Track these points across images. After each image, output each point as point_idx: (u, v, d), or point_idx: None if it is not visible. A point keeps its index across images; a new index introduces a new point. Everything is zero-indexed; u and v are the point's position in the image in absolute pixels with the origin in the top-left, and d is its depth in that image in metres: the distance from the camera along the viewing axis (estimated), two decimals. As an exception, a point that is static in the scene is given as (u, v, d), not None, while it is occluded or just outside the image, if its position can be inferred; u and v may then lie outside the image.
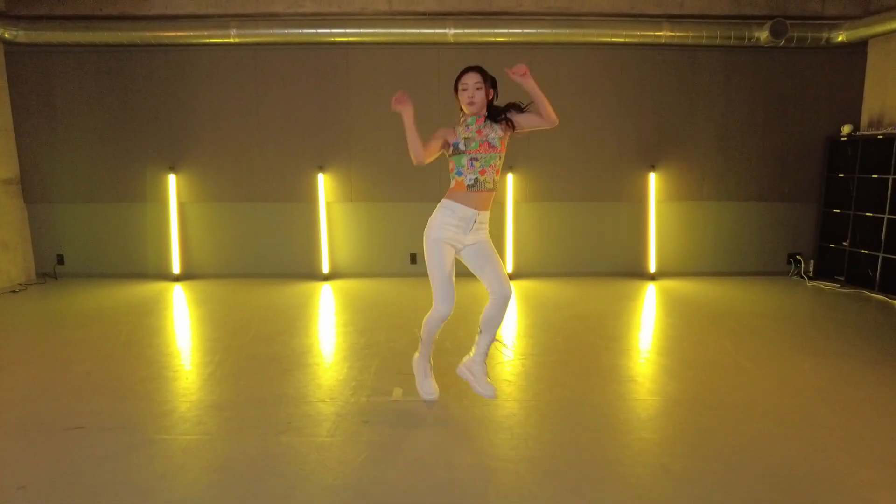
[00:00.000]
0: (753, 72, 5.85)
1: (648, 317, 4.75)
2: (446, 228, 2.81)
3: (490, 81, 2.88)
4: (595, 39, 5.55)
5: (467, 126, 2.86)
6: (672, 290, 5.59)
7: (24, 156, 5.96)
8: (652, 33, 5.51)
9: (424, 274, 2.98)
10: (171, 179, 5.96)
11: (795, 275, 6.11)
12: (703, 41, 5.54)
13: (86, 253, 6.14)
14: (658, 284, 5.81)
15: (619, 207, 6.06)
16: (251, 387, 3.28)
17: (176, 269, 6.04)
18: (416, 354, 3.13)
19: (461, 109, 2.90)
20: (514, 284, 5.77)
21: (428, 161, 2.82)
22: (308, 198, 6.00)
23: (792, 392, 3.21)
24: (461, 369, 3.04)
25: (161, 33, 5.49)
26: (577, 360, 3.70)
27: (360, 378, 3.39)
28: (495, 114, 2.89)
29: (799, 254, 6.12)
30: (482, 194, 2.83)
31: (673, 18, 5.56)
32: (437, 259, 2.81)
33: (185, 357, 3.77)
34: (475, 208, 2.83)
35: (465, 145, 2.81)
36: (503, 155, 2.90)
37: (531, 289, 5.62)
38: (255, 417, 2.90)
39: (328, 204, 6.02)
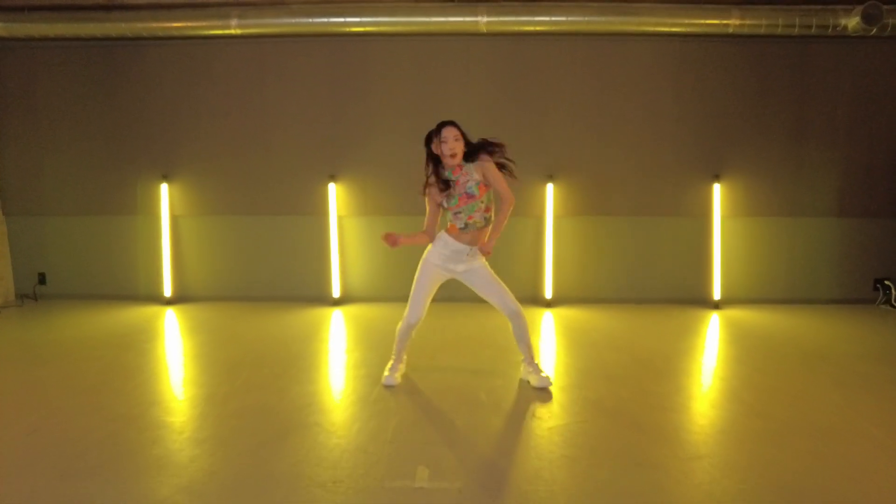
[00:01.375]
0: (836, 66, 5.01)
1: (725, 359, 3.91)
2: (439, 257, 3.17)
3: (463, 133, 3.11)
4: (651, 29, 4.77)
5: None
6: (742, 322, 4.74)
7: (4, 163, 5.33)
8: (718, 21, 4.71)
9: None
10: (164, 189, 5.28)
11: (884, 303, 5.22)
12: (779, 30, 4.73)
13: (70, 272, 5.48)
14: (724, 314, 4.96)
15: (677, 223, 5.23)
16: (234, 459, 2.51)
17: (168, 291, 5.34)
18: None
19: (430, 164, 3.15)
20: (552, 313, 4.98)
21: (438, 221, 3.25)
22: (317, 211, 5.27)
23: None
24: (523, 374, 3.40)
25: (154, 24, 4.83)
26: (650, 421, 2.88)
27: (374, 448, 2.61)
28: (471, 153, 3.12)
29: (888, 278, 5.23)
30: (474, 233, 3.14)
31: (743, 4, 4.76)
32: (422, 277, 3.21)
33: (159, 411, 3.02)
34: (468, 244, 3.15)
35: (447, 202, 3.13)
36: (485, 196, 3.12)
37: (575, 320, 4.81)
38: (231, 512, 2.14)
39: (340, 218, 5.28)
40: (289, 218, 5.31)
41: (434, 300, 3.30)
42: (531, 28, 4.77)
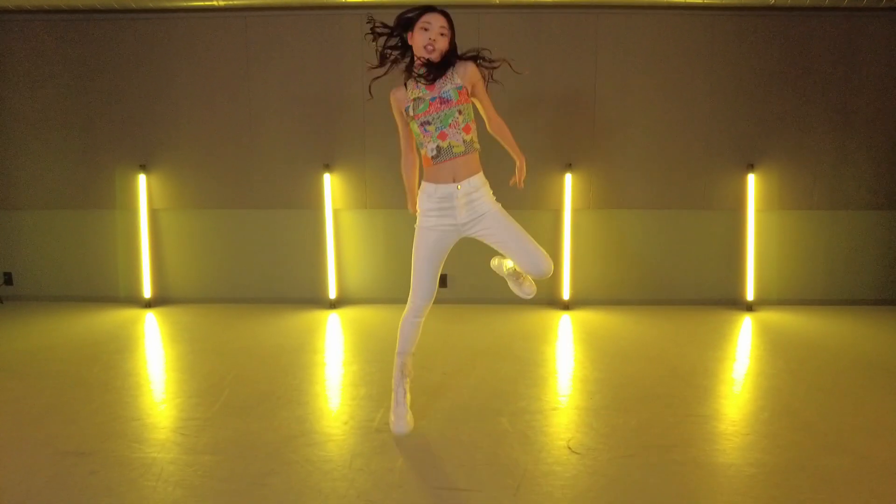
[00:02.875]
0: (888, 42, 4.51)
1: (776, 373, 3.42)
2: (429, 216, 2.43)
3: (453, 32, 2.40)
4: (682, 1, 4.27)
5: (416, 82, 2.40)
6: (780, 327, 4.27)
7: (-37, 151, 4.82)
8: (758, -9, 4.21)
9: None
10: (142, 181, 4.77)
11: (933, 304, 4.76)
12: (826, 2, 4.23)
13: (39, 271, 4.97)
14: (758, 317, 4.50)
15: (708, 217, 4.75)
16: (202, 512, 2.04)
17: (147, 292, 4.85)
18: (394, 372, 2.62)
19: (394, 60, 2.44)
20: (571, 316, 4.51)
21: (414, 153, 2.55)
22: (311, 204, 4.77)
23: None
24: (496, 264, 2.83)
25: (126, -6, 4.31)
26: (700, 458, 2.41)
27: (377, 496, 2.13)
28: (451, 57, 2.38)
29: (937, 277, 4.77)
30: (454, 162, 2.36)
31: (786, -29, 4.26)
32: (419, 250, 2.46)
33: (118, 445, 2.54)
34: (452, 181, 2.38)
35: (414, 108, 2.38)
36: (465, 107, 2.37)
37: (597, 324, 4.34)
38: None
39: (336, 212, 4.79)
40: (280, 212, 4.81)
41: (435, 303, 2.61)
42: (549, 0, 4.27)
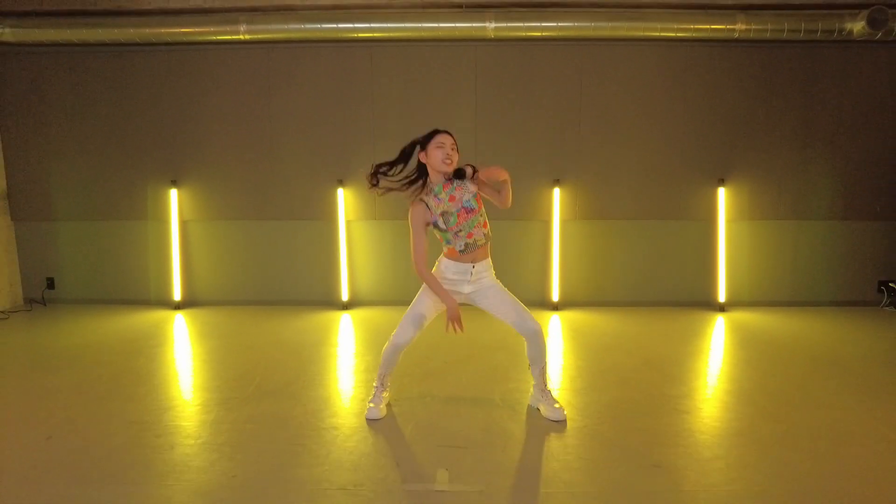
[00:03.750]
0: (841, 71, 5.04)
1: (736, 361, 3.93)
2: (444, 282, 2.86)
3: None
4: (658, 34, 4.80)
5: (437, 197, 2.80)
6: (749, 325, 4.76)
7: (12, 169, 5.34)
8: (724, 27, 4.74)
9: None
10: (173, 195, 5.29)
11: (888, 305, 5.24)
12: (784, 35, 4.76)
13: (78, 277, 5.48)
14: (729, 317, 4.99)
15: (683, 227, 5.26)
16: (253, 464, 2.53)
17: (177, 295, 5.35)
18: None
19: (413, 181, 2.87)
20: (560, 316, 5.00)
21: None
22: (326, 216, 5.29)
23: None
24: (532, 401, 3.10)
25: (162, 30, 4.85)
26: (663, 424, 2.90)
27: (393, 452, 2.62)
28: (460, 172, 2.78)
29: (892, 281, 5.26)
30: (476, 252, 2.85)
31: (749, 9, 4.80)
32: (425, 299, 2.87)
33: (173, 416, 3.04)
34: (471, 262, 2.85)
35: (445, 222, 2.79)
36: (482, 210, 2.86)
37: (582, 322, 4.83)
38: (254, 517, 2.15)
39: (348, 223, 5.30)
40: (298, 223, 5.32)
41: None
42: (539, 34, 4.80)
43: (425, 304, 2.87)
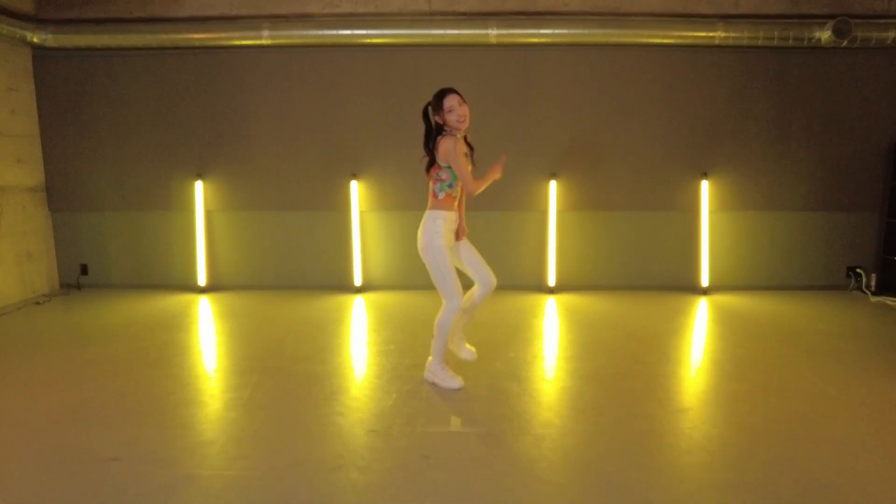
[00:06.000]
0: (812, 75, 5.51)
1: (710, 336, 4.42)
2: (447, 236, 3.20)
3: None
4: (645, 41, 5.26)
5: (459, 143, 3.16)
6: (727, 306, 5.25)
7: (50, 163, 5.78)
8: (705, 34, 5.20)
9: (464, 286, 3.23)
10: (199, 186, 5.74)
11: (856, 289, 5.74)
12: (760, 42, 5.23)
13: (110, 263, 5.93)
14: (711, 299, 5.47)
15: (669, 217, 5.74)
16: (294, 414, 3.00)
17: (202, 280, 5.81)
18: (429, 360, 3.38)
19: (436, 130, 3.19)
20: (555, 298, 5.47)
21: None
22: (341, 207, 5.75)
23: (892, 424, 2.87)
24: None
25: (191, 35, 5.28)
26: (642, 384, 3.38)
27: (412, 404, 3.10)
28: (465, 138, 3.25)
29: (859, 267, 5.75)
30: (456, 200, 3.29)
31: (728, 18, 5.26)
32: (448, 263, 3.16)
33: (220, 379, 3.51)
34: (456, 210, 3.27)
35: (470, 160, 3.23)
36: None
37: (576, 304, 5.31)
38: (303, 450, 2.63)
39: (362, 213, 5.76)
40: (314, 213, 5.78)
41: (431, 287, 3.37)
42: (536, 40, 5.26)
43: (450, 263, 3.15)
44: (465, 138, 3.27)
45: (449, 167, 3.14)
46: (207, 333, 4.50)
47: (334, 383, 3.40)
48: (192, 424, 2.89)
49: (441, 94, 3.12)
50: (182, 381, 3.45)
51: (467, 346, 3.49)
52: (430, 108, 3.20)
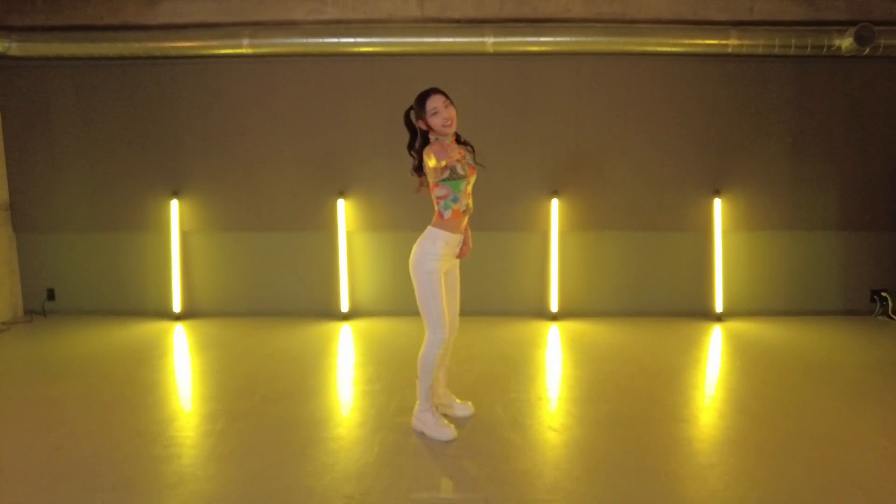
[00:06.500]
0: (831, 85, 5.16)
1: (730, 370, 4.00)
2: (444, 259, 2.82)
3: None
4: (653, 49, 4.91)
5: (450, 146, 2.79)
6: (744, 334, 4.83)
7: (15, 180, 5.38)
8: (718, 42, 4.85)
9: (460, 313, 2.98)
10: (174, 206, 5.34)
11: (881, 314, 5.32)
12: (776, 50, 4.88)
13: (79, 288, 5.50)
14: (726, 327, 5.06)
15: (679, 238, 5.34)
16: (260, 473, 2.57)
17: (177, 306, 5.38)
18: (416, 407, 2.95)
19: (422, 138, 2.84)
20: (558, 326, 5.06)
21: None
22: (326, 227, 5.35)
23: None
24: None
25: (166, 44, 4.92)
26: (661, 432, 2.95)
27: (397, 461, 2.67)
28: (458, 137, 2.90)
29: (884, 290, 5.35)
30: (466, 217, 2.88)
31: (741, 25, 4.91)
32: (438, 290, 2.78)
33: (181, 425, 3.07)
34: (462, 232, 2.89)
35: (463, 169, 2.76)
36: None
37: (580, 332, 4.89)
38: (263, 525, 2.19)
39: (349, 234, 5.36)
40: (298, 234, 5.38)
41: (418, 314, 2.94)
42: (536, 49, 4.90)
43: (440, 291, 2.77)
44: (459, 139, 2.90)
45: (445, 180, 2.76)
46: (175, 369, 4.07)
47: (308, 433, 2.96)
48: (137, 486, 2.45)
49: (423, 96, 2.75)
50: (135, 429, 3.02)
51: (458, 401, 3.12)
52: (412, 113, 2.82)
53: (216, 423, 3.10)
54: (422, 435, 2.91)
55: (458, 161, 2.74)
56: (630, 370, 3.92)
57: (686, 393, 3.53)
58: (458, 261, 3.01)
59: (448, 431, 2.85)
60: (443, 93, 2.76)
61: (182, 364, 4.18)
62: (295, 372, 3.90)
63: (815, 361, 4.10)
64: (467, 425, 3.05)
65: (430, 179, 2.80)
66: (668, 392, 3.51)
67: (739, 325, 5.09)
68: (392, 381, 3.69)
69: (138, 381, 3.75)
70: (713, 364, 4.15)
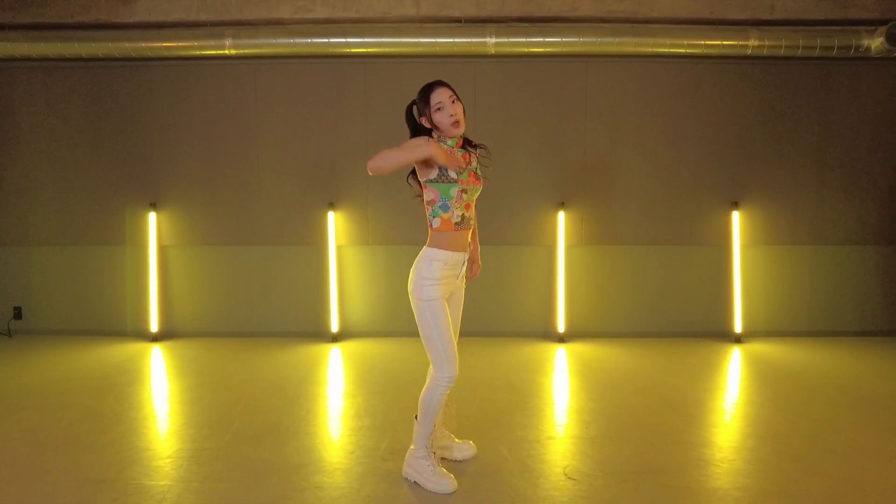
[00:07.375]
0: (858, 88, 4.81)
1: (761, 401, 3.58)
2: (445, 284, 2.42)
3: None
4: (667, 50, 4.56)
5: (451, 148, 2.44)
6: (768, 358, 4.44)
7: (-21, 190, 5.00)
8: (736, 42, 4.50)
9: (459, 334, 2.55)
10: (152, 218, 4.95)
11: (914, 336, 4.95)
12: (799, 52, 4.53)
13: (48, 306, 5.10)
14: (746, 349, 4.66)
15: (695, 253, 4.96)
16: (221, 535, 2.16)
17: (154, 326, 4.98)
18: (410, 449, 2.54)
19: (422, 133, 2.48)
20: (566, 348, 4.66)
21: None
22: (315, 241, 4.96)
23: None
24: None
25: (143, 44, 4.56)
26: (693, 481, 2.55)
27: (386, 519, 2.26)
28: (468, 141, 2.54)
29: (916, 310, 4.97)
30: (466, 233, 2.48)
31: (762, 25, 4.57)
32: (441, 319, 2.38)
33: (136, 472, 2.66)
34: (462, 250, 2.48)
35: (458, 174, 2.40)
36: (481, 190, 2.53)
37: (591, 355, 4.49)
38: None
39: (339, 248, 4.97)
40: (285, 248, 4.99)
41: (414, 335, 2.57)
42: (541, 49, 4.55)
43: (444, 321, 2.37)
44: (468, 143, 2.53)
45: (433, 181, 2.39)
46: (142, 399, 3.66)
47: (284, 481, 2.55)
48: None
49: (427, 89, 2.43)
50: (82, 475, 2.60)
51: (457, 440, 2.73)
52: (414, 108, 2.49)
53: (178, 468, 2.69)
54: (415, 485, 2.49)
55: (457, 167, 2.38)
56: (649, 401, 3.51)
57: (714, 430, 3.13)
58: (463, 283, 2.57)
59: (447, 482, 2.44)
60: (449, 86, 2.43)
61: (152, 393, 3.77)
62: (275, 404, 3.49)
63: (851, 389, 3.70)
64: (468, 471, 2.64)
65: (420, 178, 2.44)
66: (695, 429, 3.11)
67: (761, 348, 4.69)
68: (384, 414, 3.29)
69: (99, 413, 3.34)
70: (739, 394, 3.74)
